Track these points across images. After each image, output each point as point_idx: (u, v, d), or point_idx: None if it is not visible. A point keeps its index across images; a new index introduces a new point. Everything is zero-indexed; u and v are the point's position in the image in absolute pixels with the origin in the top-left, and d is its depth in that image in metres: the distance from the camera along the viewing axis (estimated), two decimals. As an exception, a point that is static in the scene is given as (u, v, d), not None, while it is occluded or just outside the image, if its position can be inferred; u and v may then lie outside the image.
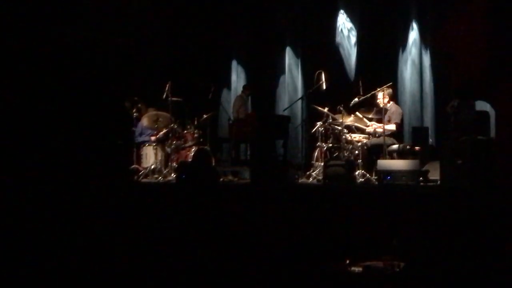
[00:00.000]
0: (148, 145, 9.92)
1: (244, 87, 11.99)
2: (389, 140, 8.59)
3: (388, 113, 8.82)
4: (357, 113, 9.00)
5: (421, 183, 7.46)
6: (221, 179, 9.23)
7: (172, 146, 9.67)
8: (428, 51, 10.86)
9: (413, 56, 10.99)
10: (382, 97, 8.85)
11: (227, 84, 13.23)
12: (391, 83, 9.19)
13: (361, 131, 9.15)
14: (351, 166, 8.16)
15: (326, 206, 6.24)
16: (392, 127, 8.78)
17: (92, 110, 6.46)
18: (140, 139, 10.14)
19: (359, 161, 8.49)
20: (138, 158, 9.88)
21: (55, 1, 6.67)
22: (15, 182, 5.60)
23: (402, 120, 9.11)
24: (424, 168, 7.86)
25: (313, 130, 9.42)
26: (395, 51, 11.18)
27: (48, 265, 5.12)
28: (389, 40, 11.26)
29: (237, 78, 13.09)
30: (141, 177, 9.35)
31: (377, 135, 8.90)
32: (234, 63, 13.21)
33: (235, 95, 12.29)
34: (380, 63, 11.24)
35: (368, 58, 11.47)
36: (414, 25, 10.98)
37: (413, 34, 10.98)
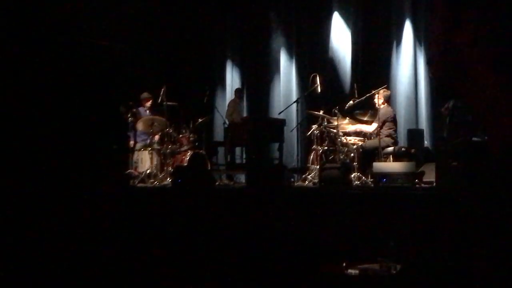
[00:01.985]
0: (144, 150, 9.91)
1: (236, 90, 11.99)
2: (383, 142, 8.60)
3: (379, 114, 8.83)
4: (347, 119, 9.06)
5: (417, 185, 7.47)
6: (217, 183, 9.22)
7: (168, 151, 9.66)
8: (423, 51, 10.87)
9: (408, 58, 11.00)
10: (377, 98, 8.88)
11: (222, 86, 13.24)
12: (385, 86, 9.22)
13: (356, 133, 9.18)
14: (347, 168, 8.17)
15: (322, 209, 6.24)
16: (371, 128, 8.84)
17: (86, 114, 6.44)
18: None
19: (355, 163, 8.50)
20: (133, 162, 9.87)
21: (48, 5, 6.66)
22: (8, 187, 5.58)
23: (394, 121, 9.05)
24: (419, 170, 7.86)
25: (309, 133, 9.44)
26: (390, 52, 11.20)
27: (43, 270, 5.11)
28: (384, 42, 11.28)
29: (232, 81, 13.10)
30: (137, 182, 9.34)
31: (370, 136, 8.94)
32: (228, 66, 13.21)
33: (230, 98, 12.29)
34: (375, 65, 11.26)
35: (363, 60, 11.48)
36: (409, 25, 10.98)
37: (408, 34, 10.99)
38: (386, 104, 9.10)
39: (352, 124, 9.17)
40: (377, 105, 8.88)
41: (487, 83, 1.29)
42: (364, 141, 8.97)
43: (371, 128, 8.93)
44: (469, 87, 1.33)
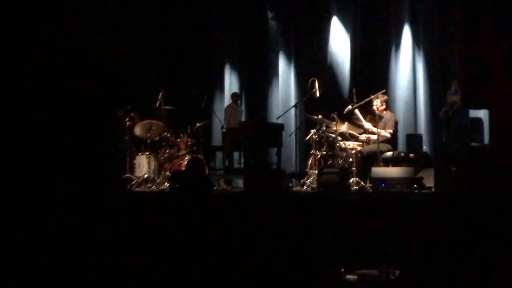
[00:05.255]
0: (141, 154, 9.89)
1: (232, 95, 11.96)
2: (384, 147, 8.58)
3: (383, 120, 8.81)
4: (346, 124, 9.03)
5: (416, 191, 7.45)
6: (215, 188, 9.19)
7: (165, 155, 9.64)
8: (422, 55, 10.84)
9: (407, 62, 10.97)
10: (379, 104, 8.86)
11: (221, 91, 13.20)
12: (384, 90, 9.20)
13: (355, 138, 9.15)
14: (345, 173, 8.15)
15: (321, 214, 6.21)
16: (386, 133, 8.78)
17: (84, 118, 6.42)
18: None
19: (353, 168, 8.48)
20: (131, 167, 9.84)
21: (48, 8, 6.64)
22: (5, 191, 5.55)
23: (396, 127, 9.10)
24: (418, 175, 7.84)
25: (307, 138, 9.41)
26: (389, 57, 11.17)
27: (41, 274, 5.08)
28: (383, 46, 11.25)
29: (230, 85, 13.06)
30: (134, 186, 9.31)
31: (371, 143, 8.90)
32: (227, 70, 13.18)
33: (228, 102, 12.26)
34: (373, 69, 11.23)
35: (362, 64, 11.45)
36: (407, 29, 10.95)
37: (407, 39, 10.96)
38: (388, 109, 9.11)
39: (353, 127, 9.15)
40: (377, 111, 8.86)
41: (507, 86, 1.27)
42: (362, 146, 8.94)
43: (387, 134, 8.83)
44: (491, 93, 1.32)
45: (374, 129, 8.77)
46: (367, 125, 8.98)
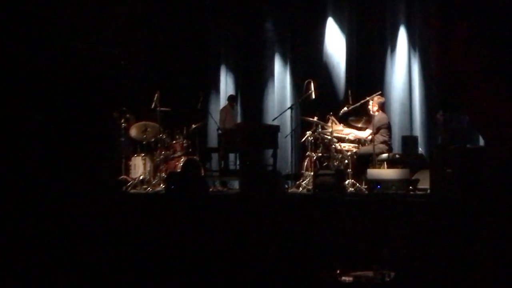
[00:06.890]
0: (137, 156, 9.88)
1: (228, 97, 11.96)
2: (378, 149, 8.58)
3: (373, 121, 8.81)
4: (342, 125, 9.04)
5: (411, 192, 7.45)
6: (210, 189, 9.19)
7: (161, 157, 9.63)
8: (417, 57, 10.86)
9: (402, 64, 10.99)
10: (371, 105, 8.87)
11: (216, 92, 13.21)
12: (380, 92, 9.20)
13: (350, 140, 9.15)
14: (341, 175, 8.15)
15: (316, 215, 6.21)
16: (365, 134, 8.83)
17: (79, 119, 6.41)
18: None
19: (349, 170, 8.47)
20: (126, 168, 9.83)
21: (43, 10, 6.64)
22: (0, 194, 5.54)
23: (389, 128, 9.02)
24: (414, 177, 7.85)
25: (303, 140, 9.41)
26: (384, 59, 11.19)
27: (36, 276, 5.07)
28: (378, 48, 11.28)
29: (226, 86, 13.07)
30: (130, 187, 9.29)
31: (363, 141, 8.93)
32: (223, 71, 13.19)
33: (224, 104, 12.27)
34: (369, 71, 11.25)
35: (358, 66, 11.47)
36: (403, 31, 10.97)
37: (402, 40, 10.98)
38: (380, 111, 9.08)
39: (346, 129, 9.15)
40: (371, 112, 8.86)
41: (482, 93, 1.27)
42: (358, 148, 8.95)
43: (365, 134, 8.92)
44: (467, 99, 1.32)
45: (357, 133, 8.88)
46: (347, 130, 9.05)
